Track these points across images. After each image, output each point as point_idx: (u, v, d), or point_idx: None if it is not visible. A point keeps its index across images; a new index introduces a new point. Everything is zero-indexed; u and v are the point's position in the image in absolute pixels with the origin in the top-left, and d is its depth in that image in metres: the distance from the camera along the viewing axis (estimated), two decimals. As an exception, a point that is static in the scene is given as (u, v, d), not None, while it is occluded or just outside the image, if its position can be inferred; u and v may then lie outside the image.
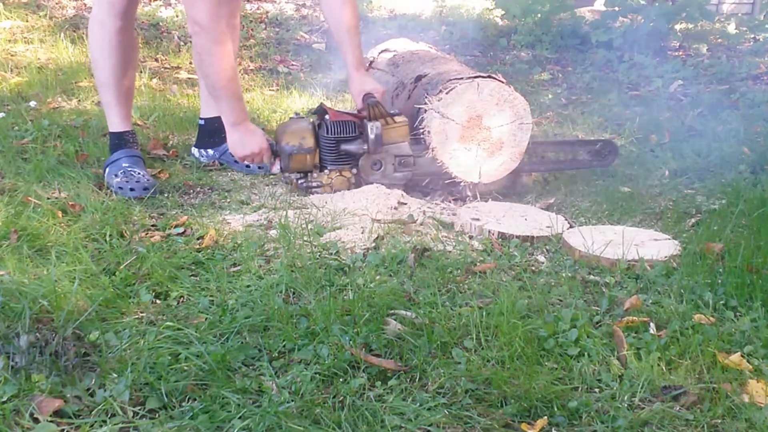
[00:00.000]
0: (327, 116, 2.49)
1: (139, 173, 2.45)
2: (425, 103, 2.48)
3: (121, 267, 1.83)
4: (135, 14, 2.60)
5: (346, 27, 2.54)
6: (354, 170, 2.51)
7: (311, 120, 2.57)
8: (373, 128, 2.43)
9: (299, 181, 2.52)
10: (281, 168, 2.52)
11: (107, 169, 2.50)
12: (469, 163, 2.51)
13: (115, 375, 1.37)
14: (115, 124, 2.59)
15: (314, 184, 2.50)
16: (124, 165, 2.48)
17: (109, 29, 2.47)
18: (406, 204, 2.38)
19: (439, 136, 2.46)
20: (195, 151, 2.90)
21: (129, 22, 2.53)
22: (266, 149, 2.47)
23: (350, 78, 2.59)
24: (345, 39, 2.56)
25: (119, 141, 2.58)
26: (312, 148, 2.48)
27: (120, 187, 2.40)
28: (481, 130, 2.49)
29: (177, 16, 5.26)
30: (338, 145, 2.49)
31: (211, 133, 2.83)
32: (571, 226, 2.28)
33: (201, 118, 2.88)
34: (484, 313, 1.61)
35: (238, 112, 2.42)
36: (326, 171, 2.50)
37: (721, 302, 1.74)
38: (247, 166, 2.74)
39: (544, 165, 2.76)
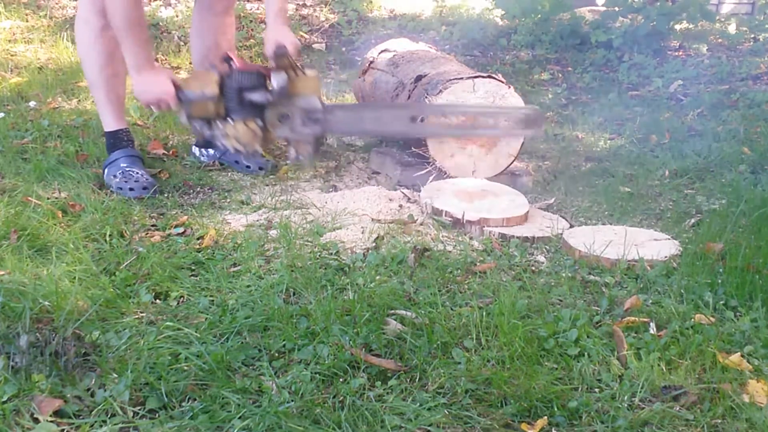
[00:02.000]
0: (233, 63, 2.41)
1: (138, 173, 2.45)
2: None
3: (121, 267, 1.83)
4: None
5: None
6: (260, 122, 2.42)
7: (219, 69, 2.47)
8: (278, 78, 2.36)
9: (206, 132, 2.43)
10: (186, 115, 2.43)
11: (106, 170, 2.50)
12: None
13: (115, 375, 1.37)
14: (109, 123, 2.58)
15: (218, 133, 2.41)
16: (122, 165, 2.48)
17: (94, 27, 2.46)
18: (408, 203, 2.39)
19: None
20: (195, 150, 2.89)
21: None
22: (171, 94, 2.37)
23: (267, 27, 2.51)
24: None
25: (114, 140, 2.57)
26: (215, 96, 2.39)
27: (119, 188, 2.40)
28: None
29: (177, 16, 5.25)
30: (242, 94, 2.39)
31: (211, 132, 2.83)
32: (571, 226, 2.28)
33: (201, 118, 2.87)
34: (484, 313, 1.61)
35: (143, 57, 2.36)
36: (230, 121, 2.41)
37: (721, 302, 1.74)
38: (248, 167, 2.74)
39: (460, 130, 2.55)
